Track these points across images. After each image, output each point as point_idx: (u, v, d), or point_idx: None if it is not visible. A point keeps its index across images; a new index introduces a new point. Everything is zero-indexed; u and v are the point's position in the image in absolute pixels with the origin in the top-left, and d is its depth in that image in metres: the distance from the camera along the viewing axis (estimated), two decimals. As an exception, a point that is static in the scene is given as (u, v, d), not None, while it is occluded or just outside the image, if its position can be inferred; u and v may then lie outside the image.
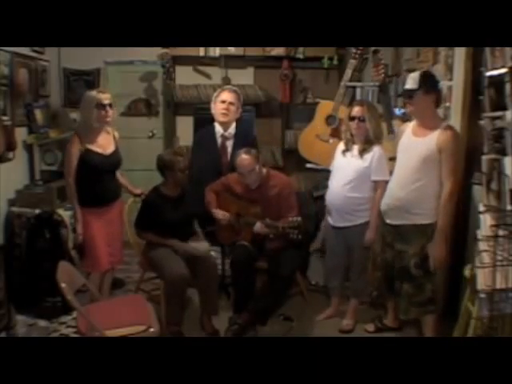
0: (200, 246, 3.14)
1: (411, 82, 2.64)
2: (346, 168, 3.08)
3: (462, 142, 2.89)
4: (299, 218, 2.98)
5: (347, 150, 3.13)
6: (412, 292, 2.74)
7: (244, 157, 3.13)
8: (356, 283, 3.24)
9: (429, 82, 2.63)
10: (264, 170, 3.25)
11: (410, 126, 2.80)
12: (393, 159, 3.01)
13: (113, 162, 3.04)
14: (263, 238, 3.17)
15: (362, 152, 3.04)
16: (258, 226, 3.10)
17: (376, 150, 3.02)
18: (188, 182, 3.28)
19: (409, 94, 2.65)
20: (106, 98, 2.92)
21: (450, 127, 2.66)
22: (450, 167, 2.57)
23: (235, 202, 3.29)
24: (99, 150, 2.95)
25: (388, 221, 2.84)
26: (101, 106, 2.89)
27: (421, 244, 2.69)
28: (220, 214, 3.26)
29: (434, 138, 2.60)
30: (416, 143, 2.68)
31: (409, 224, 2.72)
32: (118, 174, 3.17)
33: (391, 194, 2.80)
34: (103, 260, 3.04)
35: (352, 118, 3.06)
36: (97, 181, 2.95)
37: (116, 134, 3.12)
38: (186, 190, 3.27)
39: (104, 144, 3.00)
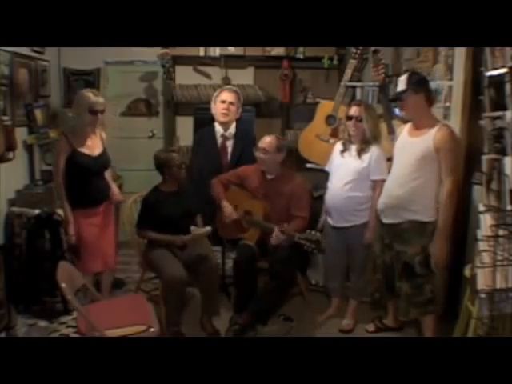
0: (200, 230, 3.14)
1: (400, 84, 2.69)
2: (345, 168, 3.09)
3: (462, 142, 2.90)
4: (318, 234, 2.92)
5: (345, 149, 3.13)
6: (411, 292, 2.73)
7: (267, 137, 3.21)
8: (357, 283, 3.24)
9: (416, 82, 2.66)
10: (283, 167, 3.28)
11: (406, 127, 2.83)
12: (391, 159, 3.01)
13: (101, 163, 3.04)
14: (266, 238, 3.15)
15: (359, 152, 3.04)
16: (277, 233, 3.01)
17: (374, 150, 3.02)
18: (187, 180, 3.28)
19: (399, 97, 2.70)
20: (100, 104, 2.91)
21: (445, 126, 2.67)
22: (448, 166, 2.58)
23: (246, 199, 3.28)
24: (87, 152, 2.96)
25: (385, 220, 2.84)
26: (94, 112, 2.89)
27: (421, 244, 2.68)
28: (228, 209, 3.25)
29: (430, 137, 2.61)
30: (412, 143, 2.70)
31: (406, 222, 2.71)
32: (106, 174, 3.15)
33: (388, 193, 2.80)
34: (94, 261, 3.03)
35: (349, 118, 3.07)
36: (85, 182, 2.95)
37: (103, 135, 3.11)
38: (184, 185, 3.28)
39: (92, 145, 3.00)
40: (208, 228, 3.13)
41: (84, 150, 2.94)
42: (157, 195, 3.20)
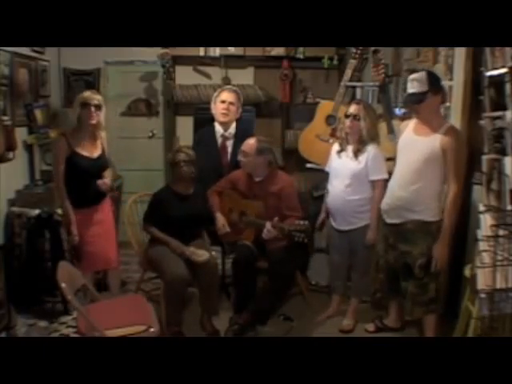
0: (199, 252, 3.09)
1: (418, 84, 2.56)
2: (343, 171, 3.08)
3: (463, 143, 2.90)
4: (307, 222, 2.93)
5: (342, 150, 3.12)
6: (416, 292, 2.73)
7: (250, 140, 3.23)
8: (358, 283, 3.24)
9: (436, 82, 2.61)
10: (270, 169, 3.27)
11: (411, 124, 2.78)
12: (392, 159, 3.01)
13: (100, 165, 3.03)
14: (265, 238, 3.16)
15: (356, 153, 3.03)
16: (268, 227, 3.04)
17: (370, 150, 3.01)
18: (194, 181, 3.28)
19: (419, 98, 2.57)
20: (92, 98, 2.90)
21: (453, 128, 2.64)
22: (454, 170, 2.57)
23: (239, 201, 3.30)
24: (86, 153, 2.94)
25: (389, 220, 2.83)
26: (85, 105, 2.88)
27: (426, 244, 2.67)
28: (221, 222, 3.25)
29: (437, 139, 2.58)
30: (418, 142, 2.66)
31: (411, 222, 2.71)
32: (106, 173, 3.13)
33: (392, 194, 2.79)
34: (95, 260, 3.03)
35: (347, 116, 3.06)
36: (84, 183, 2.94)
37: (103, 135, 3.08)
38: (199, 189, 3.29)
39: (91, 147, 2.99)
40: (206, 256, 3.07)
41: (83, 152, 2.93)
42: (167, 194, 3.23)
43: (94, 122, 2.92)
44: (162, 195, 3.25)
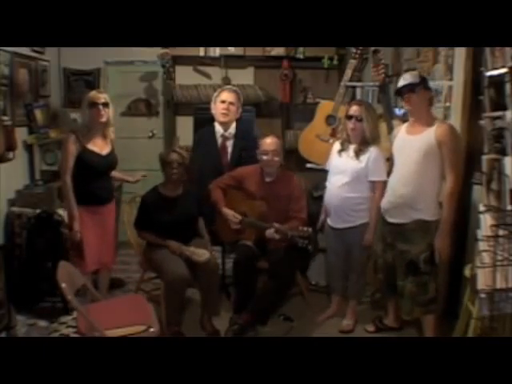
0: (200, 252, 3.07)
1: (410, 76, 2.71)
2: (343, 169, 3.07)
3: (462, 141, 2.91)
4: (310, 229, 2.94)
5: (343, 149, 3.12)
6: (416, 291, 2.74)
7: (271, 139, 3.21)
8: (355, 285, 3.22)
9: (426, 81, 2.73)
10: (281, 170, 3.29)
11: (403, 127, 2.85)
12: (391, 160, 3.02)
13: (109, 163, 3.06)
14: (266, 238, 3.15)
15: (357, 153, 3.03)
16: (271, 233, 3.05)
17: (372, 151, 3.01)
18: (187, 182, 3.27)
19: (411, 88, 2.66)
20: (99, 97, 2.94)
21: (445, 122, 2.73)
22: (450, 161, 2.60)
23: (242, 201, 3.28)
24: (96, 150, 2.97)
25: (390, 220, 2.84)
26: (93, 104, 2.91)
27: (426, 243, 2.69)
28: (230, 214, 3.23)
29: (431, 133, 2.63)
30: (412, 141, 2.71)
31: (412, 222, 2.72)
32: (113, 172, 3.18)
33: (394, 192, 2.80)
34: (90, 260, 3.02)
35: (349, 117, 3.05)
36: (92, 180, 2.96)
37: (112, 135, 3.10)
38: (189, 190, 3.26)
39: (101, 144, 3.01)
40: (206, 256, 3.03)
41: (93, 148, 2.96)
42: (156, 198, 3.17)
43: (103, 119, 2.96)
44: (149, 199, 3.18)
